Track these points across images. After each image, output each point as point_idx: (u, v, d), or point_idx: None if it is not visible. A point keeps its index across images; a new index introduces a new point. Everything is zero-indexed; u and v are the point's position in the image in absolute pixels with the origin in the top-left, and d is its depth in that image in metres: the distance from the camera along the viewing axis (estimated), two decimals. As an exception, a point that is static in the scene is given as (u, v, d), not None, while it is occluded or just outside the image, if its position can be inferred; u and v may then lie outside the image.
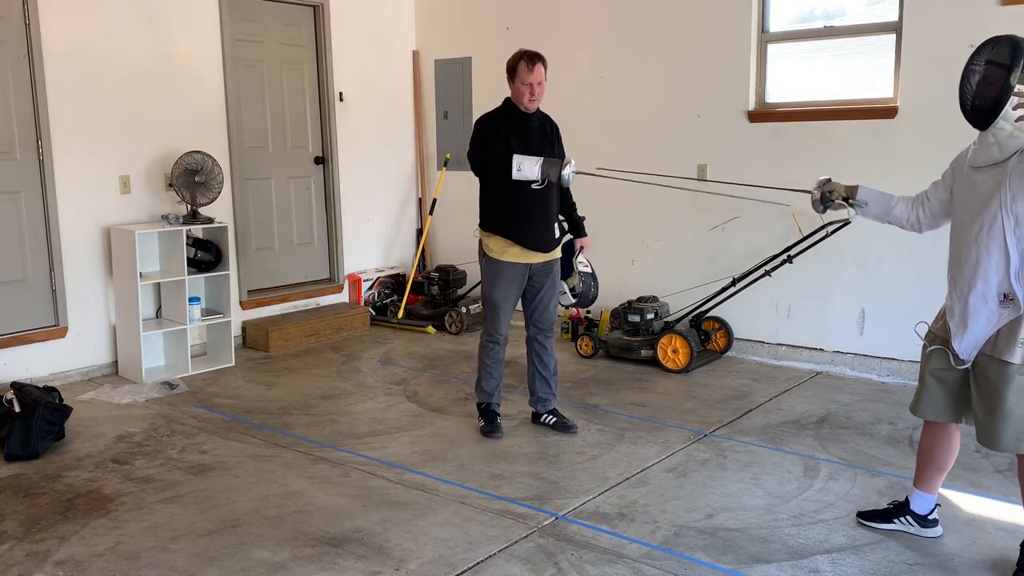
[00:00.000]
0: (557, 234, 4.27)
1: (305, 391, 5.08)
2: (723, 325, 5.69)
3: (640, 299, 5.70)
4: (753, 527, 3.30)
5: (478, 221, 4.24)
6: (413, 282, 6.87)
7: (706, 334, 5.64)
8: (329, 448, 4.17)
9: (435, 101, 7.26)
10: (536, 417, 4.47)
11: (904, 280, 5.07)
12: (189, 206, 5.44)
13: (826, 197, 3.27)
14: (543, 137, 4.19)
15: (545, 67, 4.06)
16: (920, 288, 4.93)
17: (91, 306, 5.37)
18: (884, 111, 5.08)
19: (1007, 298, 2.71)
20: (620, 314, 5.68)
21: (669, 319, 5.63)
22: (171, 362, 5.56)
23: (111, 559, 3.09)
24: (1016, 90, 2.58)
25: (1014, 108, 2.59)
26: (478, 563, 3.03)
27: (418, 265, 7.09)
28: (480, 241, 4.25)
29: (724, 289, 5.41)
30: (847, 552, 3.10)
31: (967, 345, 2.83)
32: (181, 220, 5.41)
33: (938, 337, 2.97)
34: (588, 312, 6.31)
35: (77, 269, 5.28)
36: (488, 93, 6.91)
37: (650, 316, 5.55)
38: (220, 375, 5.47)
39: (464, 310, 6.48)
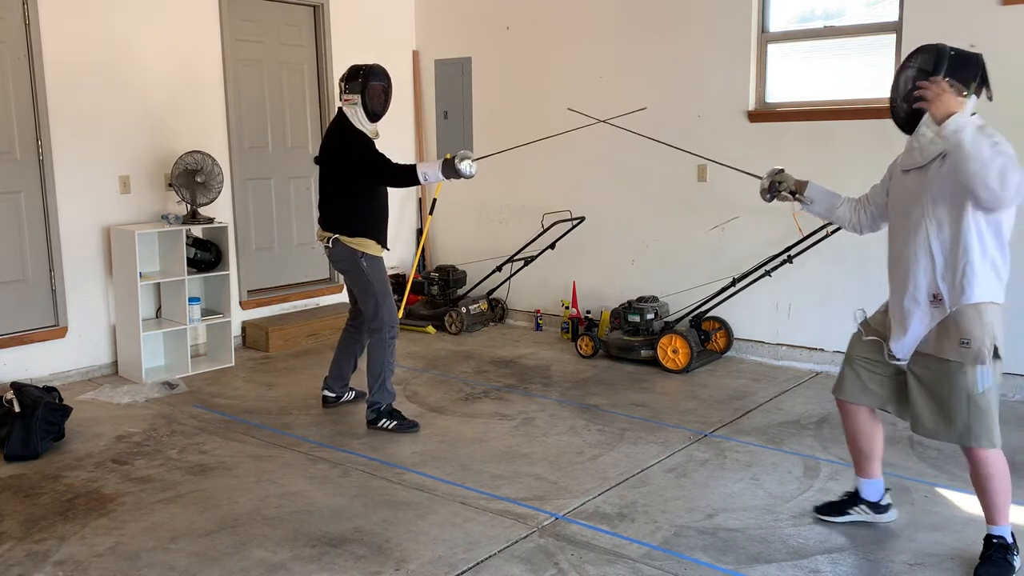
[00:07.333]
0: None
1: (305, 391, 5.08)
2: (723, 325, 5.69)
3: (640, 299, 5.70)
4: (753, 527, 3.30)
5: (338, 229, 4.31)
6: (413, 282, 6.87)
7: (706, 334, 5.64)
8: (329, 448, 4.17)
9: (435, 101, 7.26)
10: (337, 399, 4.80)
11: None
12: (189, 206, 5.44)
13: (774, 187, 3.31)
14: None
15: None
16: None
17: (91, 306, 5.37)
18: (884, 111, 5.02)
19: (936, 299, 2.80)
20: (620, 314, 5.68)
21: (669, 319, 5.63)
22: (171, 362, 5.56)
23: (111, 559, 3.09)
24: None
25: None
26: (478, 563, 3.03)
27: (418, 265, 7.09)
28: (343, 247, 4.31)
29: (724, 289, 5.41)
30: (847, 552, 3.10)
31: (905, 346, 2.92)
32: (181, 220, 5.41)
33: (876, 330, 3.06)
34: (588, 312, 6.32)
35: (77, 269, 5.28)
36: (488, 93, 6.92)
37: (650, 316, 5.55)
38: (220, 375, 5.47)
39: (464, 310, 6.48)
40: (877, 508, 3.28)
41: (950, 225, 2.74)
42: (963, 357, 2.76)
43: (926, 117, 2.73)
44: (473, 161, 4.19)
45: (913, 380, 2.92)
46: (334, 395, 4.78)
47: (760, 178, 3.40)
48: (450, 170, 4.18)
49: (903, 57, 4.93)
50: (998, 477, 2.84)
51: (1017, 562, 2.88)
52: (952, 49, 2.72)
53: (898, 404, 3.05)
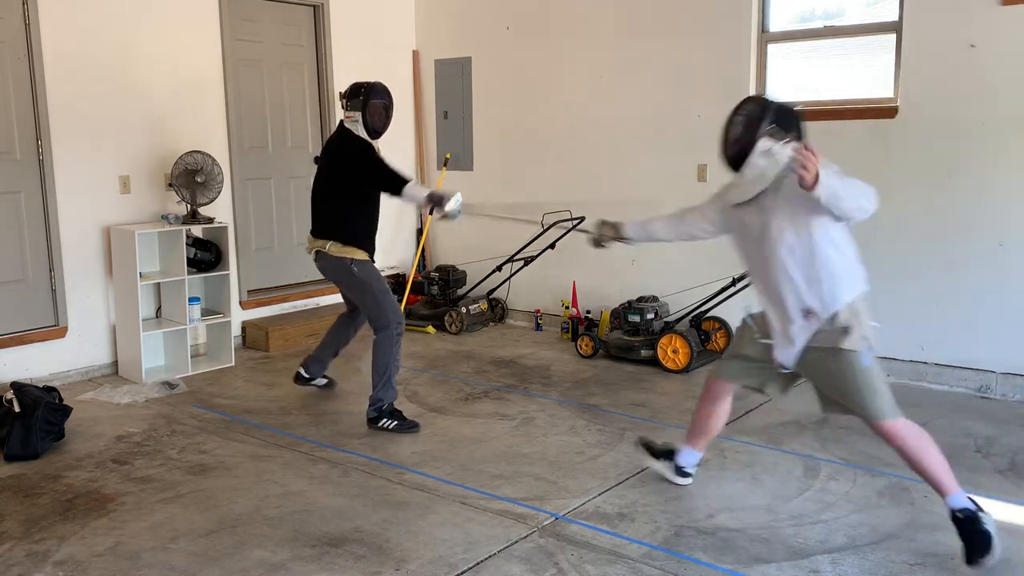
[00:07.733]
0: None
1: (305, 391, 5.08)
2: (723, 325, 5.69)
3: (640, 299, 5.70)
4: (753, 527, 3.30)
5: (332, 234, 4.36)
6: (413, 282, 6.87)
7: (706, 334, 5.63)
8: (329, 448, 4.17)
9: (435, 101, 7.26)
10: (309, 381, 4.93)
11: (901, 280, 5.07)
12: (189, 206, 5.44)
13: (599, 240, 3.68)
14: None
15: None
16: (916, 288, 4.95)
17: (91, 306, 5.36)
18: (884, 111, 5.08)
19: (809, 313, 3.03)
20: (620, 314, 5.68)
21: (669, 319, 5.63)
22: (171, 362, 5.56)
23: (111, 559, 3.09)
24: (764, 137, 2.94)
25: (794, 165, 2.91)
26: (478, 563, 3.03)
27: (418, 265, 7.09)
28: (331, 257, 4.36)
29: (724, 289, 5.41)
30: (847, 552, 3.10)
31: (791, 357, 3.15)
32: (181, 220, 5.41)
33: (767, 334, 3.23)
34: (588, 312, 6.32)
35: (77, 269, 5.28)
36: (488, 93, 6.92)
37: (650, 316, 5.55)
38: (220, 375, 5.47)
39: (464, 310, 6.48)
40: (681, 472, 3.62)
41: (802, 245, 2.97)
42: (843, 343, 2.97)
43: (755, 152, 2.94)
44: (460, 204, 4.18)
45: (807, 374, 3.18)
46: (308, 375, 4.90)
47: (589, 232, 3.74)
48: (434, 202, 4.20)
49: (903, 57, 5.00)
50: (922, 447, 2.99)
51: (988, 525, 2.93)
52: (774, 101, 3.05)
53: (776, 387, 3.35)
